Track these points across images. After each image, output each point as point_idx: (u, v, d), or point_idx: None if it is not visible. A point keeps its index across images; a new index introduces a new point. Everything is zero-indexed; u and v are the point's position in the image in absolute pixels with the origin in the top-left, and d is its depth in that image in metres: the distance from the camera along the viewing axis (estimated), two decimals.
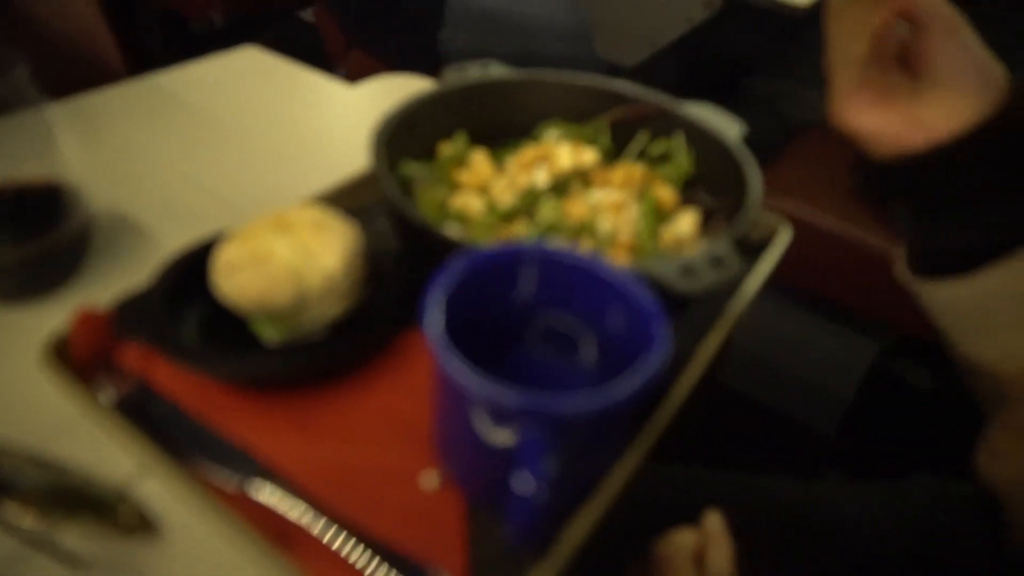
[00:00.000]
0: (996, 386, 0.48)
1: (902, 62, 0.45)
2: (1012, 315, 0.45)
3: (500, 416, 0.34)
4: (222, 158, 0.71)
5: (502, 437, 0.34)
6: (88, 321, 0.44)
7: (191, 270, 0.48)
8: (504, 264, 0.41)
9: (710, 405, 0.58)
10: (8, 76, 0.47)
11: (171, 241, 0.57)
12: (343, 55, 1.94)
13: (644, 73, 1.63)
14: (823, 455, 1.50)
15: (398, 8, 1.66)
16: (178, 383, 0.45)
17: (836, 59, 0.45)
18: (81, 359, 0.44)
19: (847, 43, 0.44)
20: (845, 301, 1.43)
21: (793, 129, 1.62)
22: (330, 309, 0.46)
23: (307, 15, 2.56)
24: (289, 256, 0.44)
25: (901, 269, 0.52)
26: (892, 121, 0.45)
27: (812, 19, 0.48)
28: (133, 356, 0.45)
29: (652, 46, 1.53)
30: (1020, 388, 0.47)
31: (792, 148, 1.51)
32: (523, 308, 0.43)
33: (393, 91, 0.87)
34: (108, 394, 0.44)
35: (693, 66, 2.15)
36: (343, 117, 0.83)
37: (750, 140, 0.59)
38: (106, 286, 0.53)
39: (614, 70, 1.66)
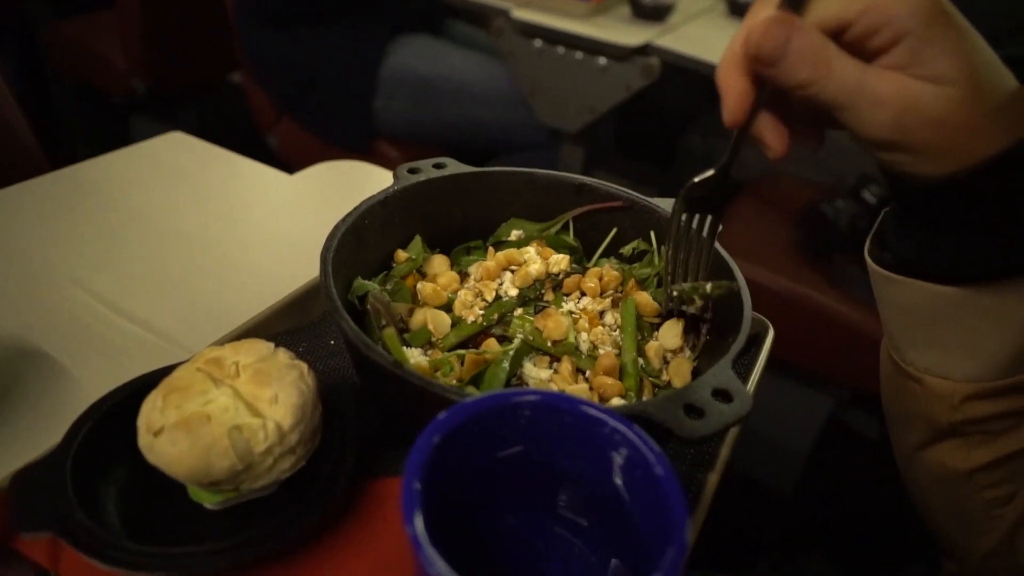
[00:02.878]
0: (919, 398, 0.48)
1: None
2: (963, 334, 0.44)
3: None
4: (145, 268, 0.64)
5: None
6: None
7: (110, 427, 0.41)
8: (489, 416, 0.35)
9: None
10: None
11: (87, 382, 0.49)
12: (273, 124, 1.88)
13: (585, 137, 1.62)
14: (783, 510, 1.49)
15: (328, 78, 1.62)
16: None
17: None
18: None
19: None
20: (796, 359, 1.43)
21: (734, 186, 1.64)
22: (279, 467, 0.39)
23: (236, 77, 2.49)
24: (228, 416, 0.37)
25: (867, 252, 0.48)
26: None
27: None
28: (37, 545, 0.37)
29: (592, 112, 1.52)
30: (940, 410, 0.47)
31: (733, 207, 1.52)
32: (513, 461, 0.37)
33: (335, 179, 0.81)
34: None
35: (633, 127, 2.18)
36: (283, 210, 0.76)
37: None
38: (8, 445, 0.45)
39: (555, 135, 1.65)
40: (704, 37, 1.51)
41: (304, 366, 0.42)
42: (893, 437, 0.54)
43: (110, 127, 2.61)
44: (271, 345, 0.42)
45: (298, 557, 0.39)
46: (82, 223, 0.68)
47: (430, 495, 0.30)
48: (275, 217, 0.75)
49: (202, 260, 0.66)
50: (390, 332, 0.46)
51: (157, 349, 0.53)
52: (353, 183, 0.81)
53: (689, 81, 1.51)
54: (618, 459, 0.35)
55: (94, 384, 0.44)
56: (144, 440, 0.38)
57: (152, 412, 0.38)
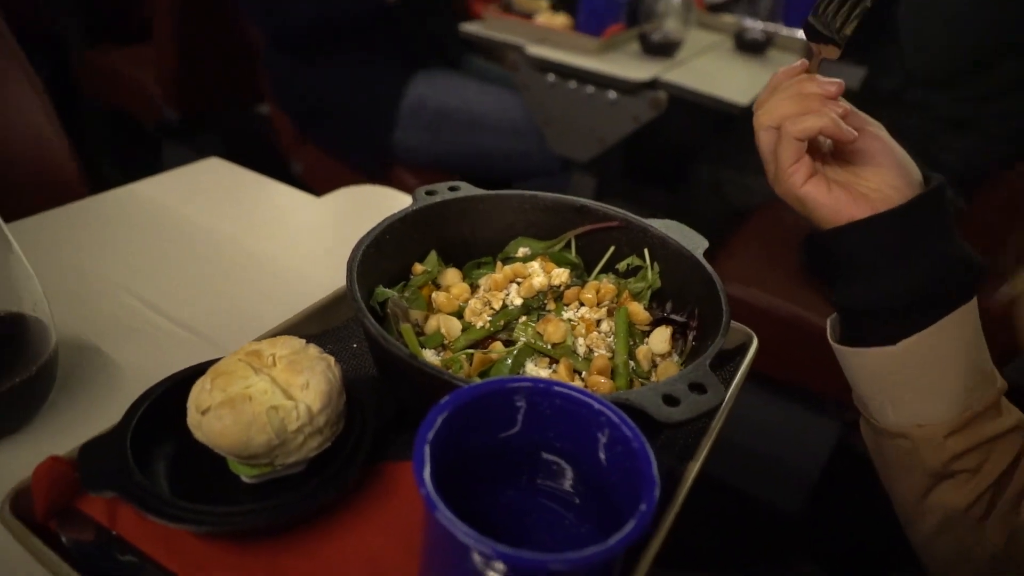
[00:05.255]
0: (908, 452, 0.55)
1: (832, 155, 0.56)
2: (926, 381, 0.53)
3: (493, 567, 0.33)
4: (187, 278, 0.70)
5: None
6: (50, 472, 0.42)
7: (161, 409, 0.47)
8: (490, 399, 0.41)
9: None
10: None
11: (138, 372, 0.56)
12: (297, 149, 1.97)
13: (596, 166, 1.69)
14: (792, 535, 1.51)
15: (350, 106, 1.70)
16: (147, 533, 0.42)
17: (780, 137, 0.53)
18: (43, 510, 0.42)
19: (793, 123, 0.51)
20: (803, 382, 1.47)
21: (738, 212, 1.69)
22: (308, 446, 0.45)
23: (262, 107, 2.60)
24: (267, 397, 0.43)
25: (829, 336, 0.58)
26: (838, 196, 0.53)
27: (751, 114, 0.54)
28: (98, 506, 0.43)
29: (602, 142, 1.59)
30: (928, 455, 0.54)
31: (739, 234, 1.57)
32: (510, 440, 0.43)
33: (358, 202, 0.88)
34: (72, 545, 0.41)
35: (642, 157, 2.25)
36: (310, 229, 0.83)
37: (700, 223, 0.63)
38: (71, 424, 0.51)
39: (567, 164, 1.72)
40: (711, 72, 1.58)
41: (331, 359, 0.48)
42: (894, 499, 0.61)
43: (140, 151, 2.73)
44: (303, 341, 0.48)
45: (320, 525, 0.45)
46: (134, 238, 0.75)
47: (438, 466, 0.35)
48: (304, 234, 0.81)
49: (239, 272, 0.73)
50: (407, 328, 0.52)
51: (197, 347, 0.60)
52: (374, 205, 0.87)
53: (696, 113, 1.57)
54: (603, 438, 0.40)
55: (141, 376, 0.49)
56: (193, 418, 0.44)
57: (201, 394, 0.44)
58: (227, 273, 0.72)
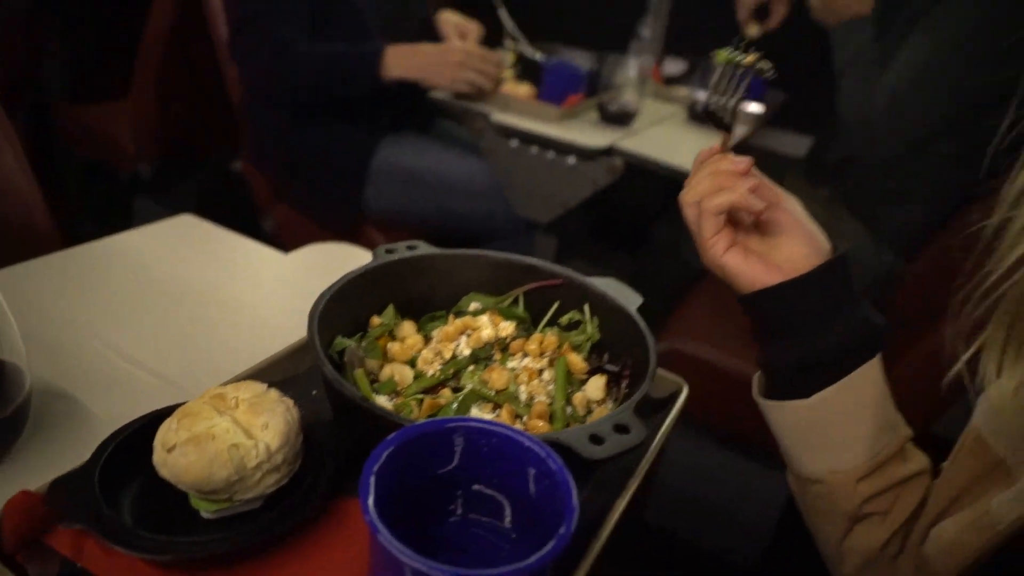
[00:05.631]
0: (825, 497, 0.60)
1: (754, 225, 0.61)
2: (838, 431, 0.59)
3: None
4: (157, 327, 0.74)
5: None
6: (20, 505, 0.45)
7: (128, 448, 0.51)
8: (432, 437, 0.45)
9: (634, 542, 0.62)
10: None
11: (107, 416, 0.59)
12: (269, 206, 2.02)
13: (558, 227, 1.76)
14: None
15: (322, 166, 1.77)
16: (111, 566, 0.46)
17: (701, 212, 0.58)
18: (12, 543, 0.45)
19: (709, 200, 0.57)
20: (754, 435, 1.52)
21: (696, 272, 1.77)
22: (266, 482, 0.49)
23: (235, 164, 2.66)
24: (228, 436, 0.47)
25: (755, 393, 0.64)
26: (753, 265, 0.58)
27: None
28: (65, 539, 0.46)
29: (563, 205, 1.67)
30: (843, 500, 0.59)
31: (695, 292, 1.64)
32: (451, 476, 0.47)
33: (323, 258, 0.93)
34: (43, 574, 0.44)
35: (604, 220, 2.34)
36: (277, 284, 0.88)
37: (658, 282, 0.69)
38: (42, 463, 0.54)
39: (530, 225, 1.79)
40: (665, 140, 1.68)
41: (291, 402, 0.52)
42: (819, 543, 0.66)
43: (113, 204, 2.76)
44: (264, 385, 0.53)
45: (278, 555, 0.48)
46: (108, 289, 0.79)
47: (385, 498, 0.39)
48: (271, 288, 0.86)
49: (208, 322, 0.77)
50: (360, 373, 0.56)
51: (166, 392, 0.63)
52: (339, 261, 0.92)
53: (653, 178, 1.66)
54: (532, 472, 0.44)
55: (110, 419, 0.53)
56: (159, 456, 0.48)
57: (167, 433, 0.48)
58: (196, 323, 0.76)
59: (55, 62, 2.63)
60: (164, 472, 0.47)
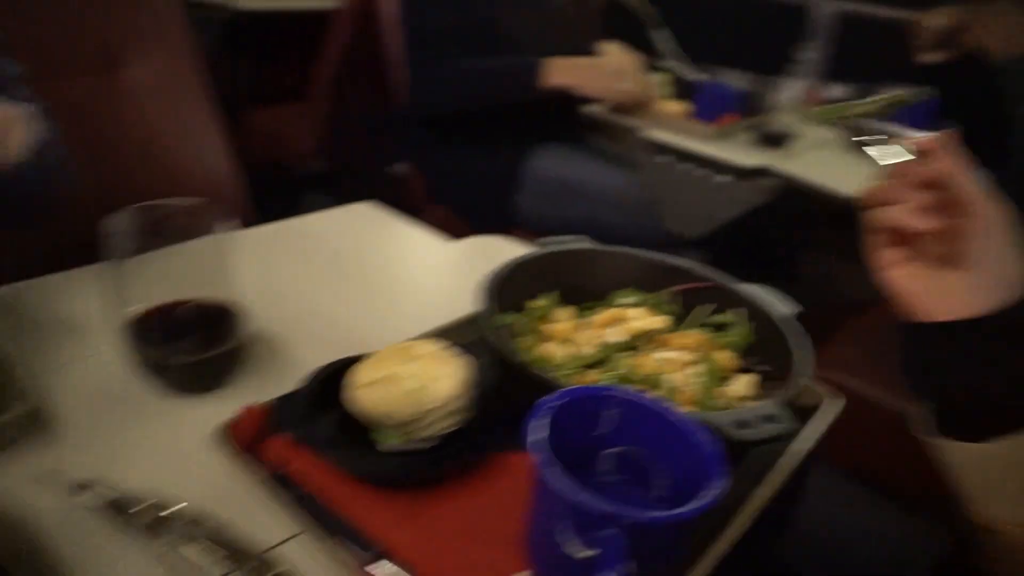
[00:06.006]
0: (1005, 547, 0.54)
1: (939, 237, 0.52)
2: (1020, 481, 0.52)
3: (589, 524, 0.42)
4: (345, 294, 0.85)
5: (588, 544, 0.42)
6: (250, 413, 0.55)
7: (330, 382, 0.59)
8: (592, 401, 0.50)
9: None
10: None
11: (305, 359, 0.68)
12: (426, 207, 2.16)
13: (706, 245, 1.76)
14: None
15: (478, 173, 1.88)
16: (313, 472, 0.54)
17: (876, 220, 0.54)
18: (241, 443, 0.55)
19: (873, 212, 0.54)
20: (913, 485, 1.43)
21: (850, 306, 1.70)
22: (440, 425, 0.55)
23: (393, 168, 2.86)
24: (413, 380, 0.54)
25: (923, 428, 0.57)
26: (920, 289, 0.53)
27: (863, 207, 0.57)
28: (279, 446, 0.55)
29: (711, 223, 1.67)
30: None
31: (850, 325, 1.58)
32: (601, 441, 0.51)
33: (484, 249, 1.00)
34: (260, 473, 0.53)
35: (752, 242, 2.29)
36: (443, 268, 0.96)
37: (808, 316, 0.68)
38: (254, 390, 0.64)
39: (677, 241, 1.80)
40: (822, 164, 1.64)
41: (465, 360, 0.58)
42: None
43: (283, 200, 3.04)
44: (443, 344, 0.60)
45: (447, 491, 0.54)
46: (301, 259, 0.91)
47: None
48: (437, 270, 0.95)
49: (385, 293, 0.87)
50: (525, 342, 0.62)
51: (352, 344, 0.72)
52: (498, 252, 1.00)
53: (806, 201, 1.63)
54: (681, 446, 0.48)
55: (307, 361, 0.62)
56: (351, 392, 0.56)
57: (360, 372, 0.56)
58: (376, 293, 0.87)
59: (244, 69, 2.95)
60: (356, 406, 0.55)
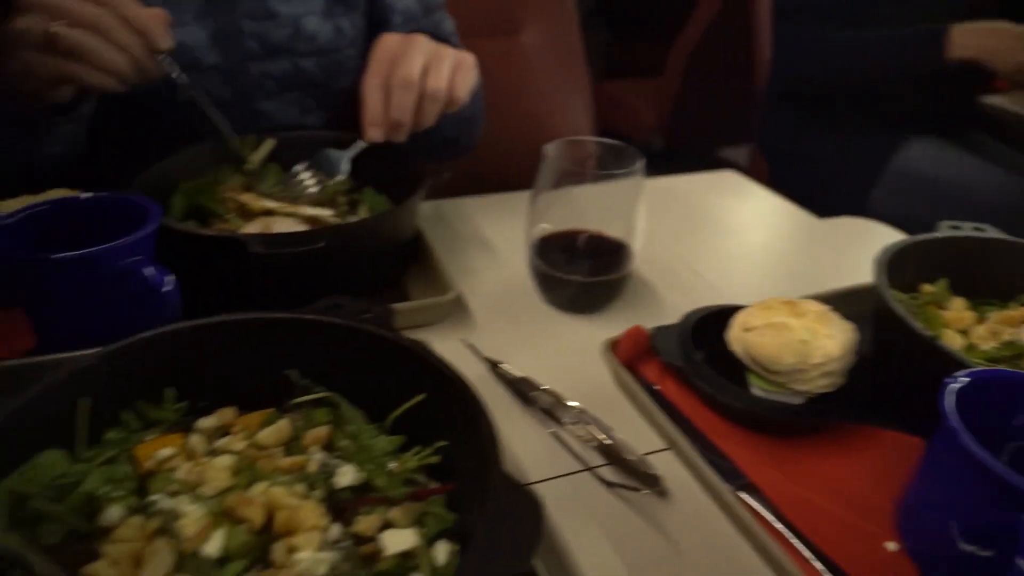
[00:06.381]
0: None
1: None
2: None
3: (992, 502, 0.40)
4: (711, 252, 0.89)
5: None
6: (634, 334, 0.61)
7: (703, 324, 0.63)
8: (1011, 388, 0.47)
9: None
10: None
11: (675, 302, 0.74)
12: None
13: None
14: None
15: (835, 160, 1.76)
16: (683, 399, 0.58)
17: None
18: (624, 358, 0.61)
19: None
20: None
21: None
22: (818, 382, 0.56)
23: (727, 152, 2.82)
24: (801, 333, 0.55)
25: None
26: None
27: None
28: (655, 369, 0.61)
29: None
30: None
31: None
32: (1007, 432, 0.48)
33: (854, 229, 0.96)
34: (639, 387, 0.59)
35: None
36: (808, 241, 0.95)
37: None
38: (630, 318, 0.71)
39: None
40: None
41: (852, 325, 0.58)
42: None
43: None
44: (828, 307, 0.60)
45: (814, 443, 0.55)
46: (668, 216, 0.97)
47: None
48: (804, 242, 0.95)
49: (746, 257, 0.89)
50: (931, 311, 0.60)
51: (716, 296, 0.75)
52: (868, 235, 0.95)
53: None
54: None
55: (677, 306, 0.66)
56: (735, 333, 0.58)
57: (748, 316, 0.58)
58: (736, 256, 0.89)
59: (605, 41, 3.11)
60: (736, 347, 0.58)
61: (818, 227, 0.98)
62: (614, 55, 3.16)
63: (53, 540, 0.38)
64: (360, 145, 0.76)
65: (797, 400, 0.58)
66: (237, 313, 0.49)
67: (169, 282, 0.57)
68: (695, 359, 0.59)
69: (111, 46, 0.61)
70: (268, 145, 0.79)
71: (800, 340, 0.55)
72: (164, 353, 0.47)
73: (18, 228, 0.57)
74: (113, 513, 0.40)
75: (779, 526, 0.48)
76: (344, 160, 0.77)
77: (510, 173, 1.10)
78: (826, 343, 0.55)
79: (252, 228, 0.70)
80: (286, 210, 0.73)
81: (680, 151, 2.73)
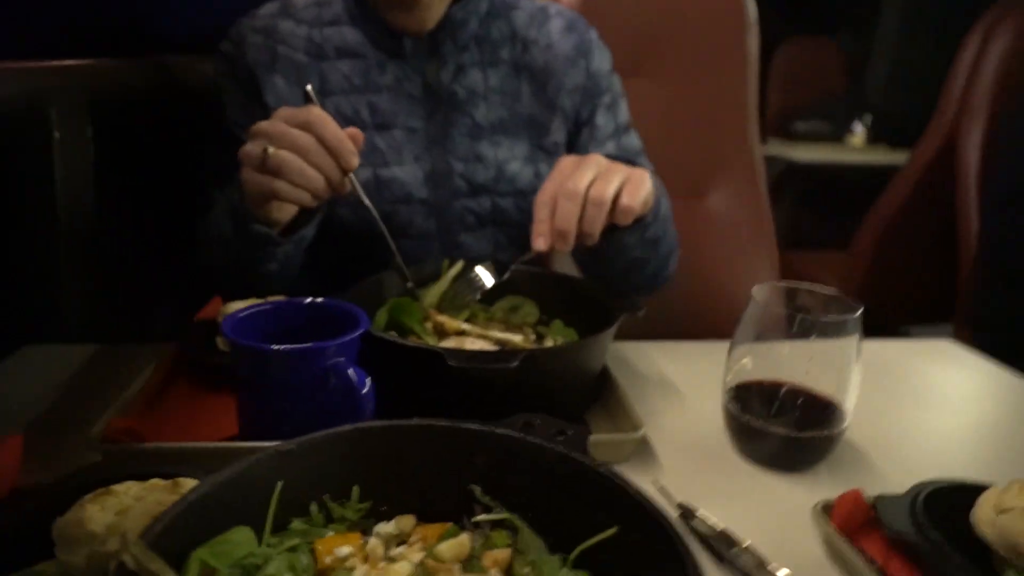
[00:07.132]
0: None
1: None
2: None
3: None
4: (927, 422, 0.79)
5: None
6: (853, 500, 0.53)
7: (936, 498, 0.53)
8: None
9: None
10: None
11: (882, 472, 0.65)
12: None
13: None
14: None
15: None
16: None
17: None
18: (840, 524, 0.53)
19: None
20: None
21: None
22: None
23: (920, 332, 2.58)
24: None
25: None
26: None
27: None
28: (876, 543, 0.52)
29: None
30: None
31: None
32: None
33: None
34: (862, 562, 0.51)
35: None
36: None
37: None
38: (842, 482, 0.63)
39: None
40: None
41: None
42: None
43: None
44: None
45: None
46: (886, 384, 0.88)
47: None
48: None
49: (965, 430, 0.78)
50: None
51: (939, 472, 0.64)
52: None
53: None
54: None
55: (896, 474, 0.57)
56: (985, 514, 0.49)
57: (1003, 497, 0.49)
58: (957, 428, 0.78)
59: (787, 214, 3.06)
60: (987, 529, 0.49)
61: None
62: (799, 226, 3.09)
63: None
64: (528, 255, 0.75)
65: None
66: (429, 418, 0.49)
67: (368, 384, 0.58)
68: (932, 537, 0.49)
69: (308, 165, 0.67)
70: (457, 267, 0.82)
71: None
72: (356, 449, 0.47)
73: (246, 321, 0.63)
74: None
75: None
76: (491, 273, 0.79)
77: (684, 327, 1.06)
78: None
79: (447, 345, 0.72)
80: (477, 332, 0.74)
81: (867, 327, 2.54)
